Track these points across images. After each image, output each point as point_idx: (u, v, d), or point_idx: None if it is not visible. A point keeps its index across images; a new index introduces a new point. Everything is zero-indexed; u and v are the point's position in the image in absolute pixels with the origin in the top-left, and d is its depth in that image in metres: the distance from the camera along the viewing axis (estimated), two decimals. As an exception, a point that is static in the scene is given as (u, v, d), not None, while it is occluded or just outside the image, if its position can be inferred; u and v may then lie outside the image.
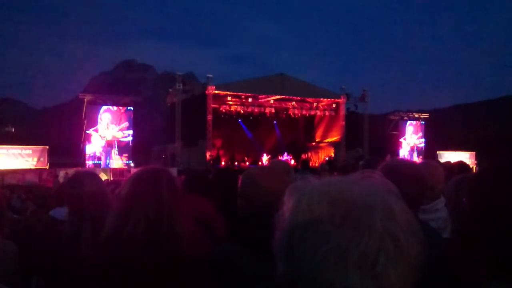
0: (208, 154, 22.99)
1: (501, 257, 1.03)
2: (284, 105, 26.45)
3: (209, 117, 23.14)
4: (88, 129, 20.72)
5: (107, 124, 20.89)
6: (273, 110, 26.17)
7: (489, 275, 1.05)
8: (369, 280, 0.63)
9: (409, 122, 27.96)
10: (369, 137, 27.52)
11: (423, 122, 28.49)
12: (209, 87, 22.92)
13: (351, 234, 0.65)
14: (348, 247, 0.64)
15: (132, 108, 22.16)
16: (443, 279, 1.79)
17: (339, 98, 26.38)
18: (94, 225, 1.78)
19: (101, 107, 21.06)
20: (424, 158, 23.69)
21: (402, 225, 0.68)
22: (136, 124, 22.74)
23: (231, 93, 24.34)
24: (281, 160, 7.59)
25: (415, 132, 27.71)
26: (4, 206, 2.36)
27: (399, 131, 27.49)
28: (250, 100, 25.12)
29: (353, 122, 27.45)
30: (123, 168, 20.26)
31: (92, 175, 2.82)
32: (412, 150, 27.39)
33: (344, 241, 0.65)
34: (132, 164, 21.18)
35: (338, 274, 0.64)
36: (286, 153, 25.78)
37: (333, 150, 27.21)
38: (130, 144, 21.76)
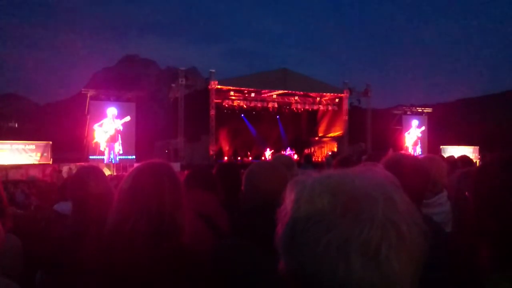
0: (211, 149, 23.01)
1: (504, 249, 1.03)
2: (287, 100, 26.42)
3: (212, 112, 23.14)
4: (91, 124, 20.74)
5: (112, 119, 20.90)
6: (276, 105, 26.18)
7: (491, 268, 1.05)
8: (372, 269, 0.64)
9: (412, 116, 27.88)
10: (372, 132, 27.47)
11: (427, 116, 28.40)
12: (212, 82, 22.90)
13: (353, 223, 0.65)
14: (350, 236, 0.65)
15: (134, 103, 22.17)
16: (446, 273, 1.79)
17: (342, 92, 26.32)
18: (99, 225, 1.78)
19: (104, 102, 21.07)
20: (428, 152, 23.62)
21: (404, 215, 0.68)
22: (138, 119, 22.75)
23: (234, 88, 24.31)
24: (284, 155, 7.59)
25: (419, 127, 27.63)
26: (5, 200, 2.37)
27: (403, 126, 27.39)
28: (253, 95, 25.09)
29: (356, 116, 27.40)
30: (126, 163, 20.29)
31: (96, 173, 2.80)
32: (415, 144, 27.32)
33: (346, 231, 0.65)
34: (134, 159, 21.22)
35: (340, 263, 0.64)
36: (289, 148, 25.81)
37: (336, 145, 27.21)
38: (133, 139, 21.78)
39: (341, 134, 26.86)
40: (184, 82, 23.25)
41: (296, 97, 26.35)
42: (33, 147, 20.67)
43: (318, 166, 15.73)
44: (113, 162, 20.69)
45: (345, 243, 0.65)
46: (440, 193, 2.86)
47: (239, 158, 24.96)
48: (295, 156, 22.74)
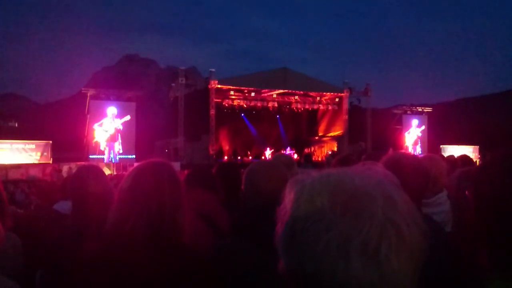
0: (211, 149, 23.02)
1: (504, 249, 1.03)
2: (287, 99, 26.44)
3: (212, 111, 23.15)
4: (91, 124, 20.74)
5: (112, 118, 20.89)
6: (276, 104, 26.19)
7: (491, 268, 1.05)
8: (372, 268, 0.63)
9: (412, 116, 27.87)
10: (372, 131, 27.50)
11: (427, 116, 28.39)
12: (212, 82, 22.91)
13: (353, 222, 0.65)
14: (350, 235, 0.64)
15: (134, 102, 22.15)
16: (446, 273, 1.79)
17: (342, 92, 26.33)
18: (99, 225, 1.79)
19: (104, 102, 21.07)
20: (428, 152, 23.60)
21: (403, 214, 0.68)
22: (138, 118, 22.73)
23: (234, 87, 24.33)
24: (284, 154, 7.60)
25: (419, 126, 27.62)
26: (5, 200, 2.37)
27: (403, 125, 27.39)
28: (253, 94, 25.12)
29: (356, 116, 27.43)
30: (126, 163, 20.28)
31: (96, 172, 2.79)
32: (415, 144, 27.31)
33: (346, 229, 0.65)
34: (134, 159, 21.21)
35: (340, 262, 0.64)
36: (289, 147, 25.81)
37: (336, 144, 27.23)
38: (133, 139, 21.77)
39: (341, 134, 26.87)
40: (184, 82, 23.26)
41: (296, 97, 26.36)
42: (33, 146, 20.66)
43: (318, 165, 15.73)
44: (113, 161, 20.69)
45: (345, 242, 0.64)
46: (440, 193, 2.85)
47: (239, 157, 24.96)
48: (295, 156, 22.74)
